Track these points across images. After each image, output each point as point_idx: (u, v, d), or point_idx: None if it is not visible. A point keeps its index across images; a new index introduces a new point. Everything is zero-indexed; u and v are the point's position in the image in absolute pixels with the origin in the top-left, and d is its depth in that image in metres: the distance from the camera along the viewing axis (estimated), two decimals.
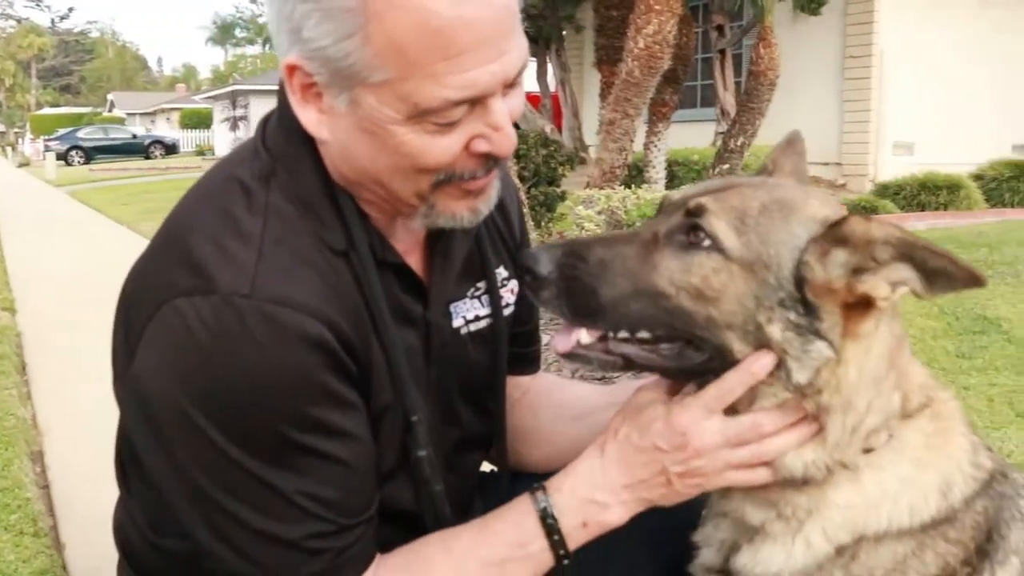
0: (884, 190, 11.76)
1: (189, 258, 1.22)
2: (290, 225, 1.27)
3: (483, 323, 1.54)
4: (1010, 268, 6.80)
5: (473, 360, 1.53)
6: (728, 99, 13.98)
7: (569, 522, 1.33)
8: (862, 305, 1.21)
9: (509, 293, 1.61)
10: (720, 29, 13.55)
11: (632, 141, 6.19)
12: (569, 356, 1.29)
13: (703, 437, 1.28)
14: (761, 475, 1.29)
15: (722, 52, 13.68)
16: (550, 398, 1.73)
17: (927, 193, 11.38)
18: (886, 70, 14.76)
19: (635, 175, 9.23)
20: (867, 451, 1.28)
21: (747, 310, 1.21)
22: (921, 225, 9.07)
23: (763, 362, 1.22)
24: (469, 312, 1.52)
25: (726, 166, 8.49)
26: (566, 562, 1.34)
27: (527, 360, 1.75)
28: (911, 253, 1.16)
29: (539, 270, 1.24)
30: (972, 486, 1.31)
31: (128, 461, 1.48)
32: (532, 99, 17.55)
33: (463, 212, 1.33)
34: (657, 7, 5.88)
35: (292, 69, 1.23)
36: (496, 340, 1.56)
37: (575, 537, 1.33)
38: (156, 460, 1.27)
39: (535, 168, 7.77)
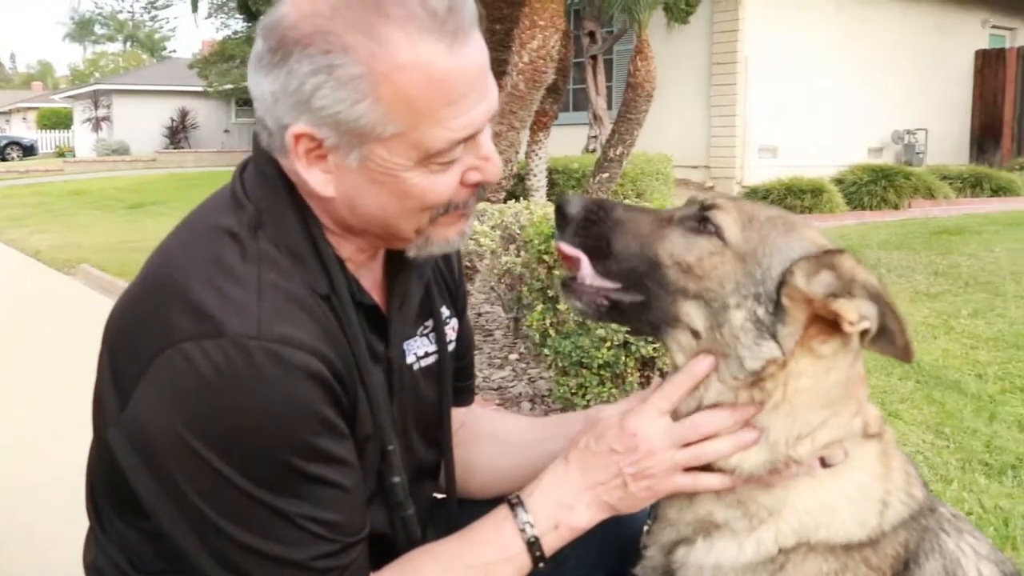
0: (753, 193, 12.20)
1: (189, 304, 1.28)
2: (281, 271, 1.34)
3: (431, 359, 1.63)
4: (874, 270, 7.19)
5: (424, 394, 1.62)
6: (600, 103, 14.25)
7: (543, 525, 1.44)
8: (828, 326, 1.34)
9: (451, 331, 1.71)
10: (592, 35, 13.80)
11: (517, 152, 6.34)
12: (568, 287, 1.43)
13: (652, 438, 1.40)
14: (709, 481, 1.40)
15: (594, 58, 13.96)
16: (484, 431, 1.83)
17: (793, 196, 11.85)
18: (751, 77, 15.31)
19: (516, 183, 9.37)
20: (827, 466, 1.40)
21: (724, 291, 1.34)
22: None
23: (703, 364, 1.36)
24: (420, 349, 1.61)
25: (605, 175, 8.71)
26: (542, 565, 1.44)
27: (463, 393, 1.85)
28: (881, 302, 1.30)
29: (569, 210, 1.41)
30: (902, 514, 1.42)
31: (106, 499, 1.52)
32: None
33: (453, 236, 1.45)
34: (541, 23, 6.04)
35: (299, 137, 1.31)
36: (442, 375, 1.66)
37: (549, 539, 1.44)
38: (160, 499, 1.31)
39: None
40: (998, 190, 12.93)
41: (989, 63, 19.65)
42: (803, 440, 1.36)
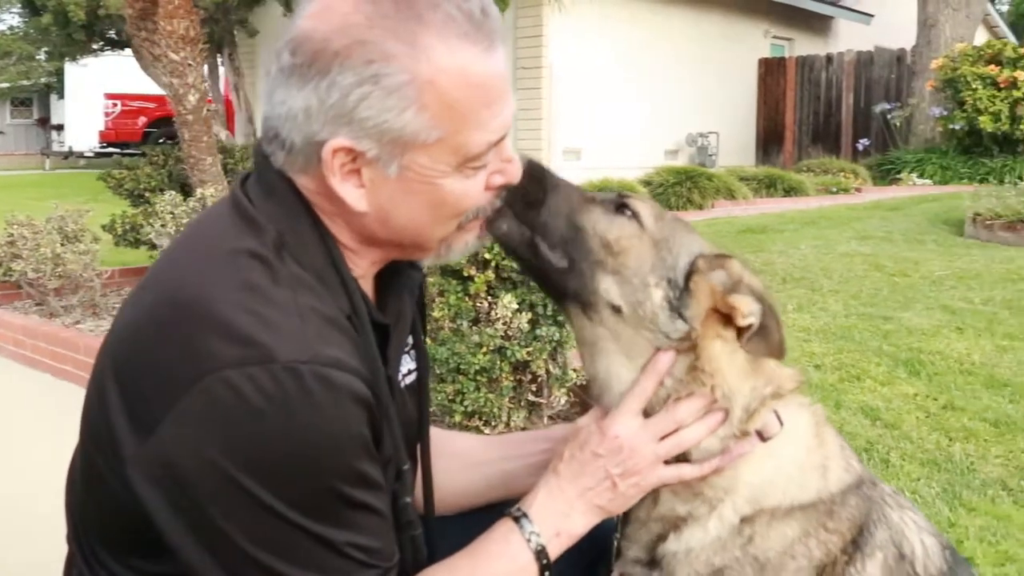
0: None
1: (226, 330, 1.22)
2: (314, 292, 1.30)
3: (412, 376, 1.63)
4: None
5: (409, 412, 1.61)
6: None
7: (546, 534, 1.48)
8: (725, 318, 1.48)
9: (424, 348, 1.71)
10: None
11: None
12: (498, 215, 1.49)
13: (633, 437, 1.48)
14: (687, 471, 1.50)
15: None
16: (442, 449, 1.81)
17: None
18: (555, 81, 15.69)
19: None
20: (766, 439, 1.53)
21: (642, 270, 1.48)
22: None
23: (664, 360, 1.47)
24: (404, 367, 1.59)
25: None
26: (547, 574, 1.48)
27: None
28: (764, 302, 1.46)
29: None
30: (845, 479, 1.55)
31: (100, 541, 1.41)
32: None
33: (471, 240, 1.47)
34: None
35: (337, 151, 1.28)
36: (422, 392, 1.65)
37: (552, 547, 1.48)
38: (192, 538, 1.24)
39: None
40: (790, 190, 13.71)
41: (771, 71, 20.87)
42: (748, 411, 1.51)
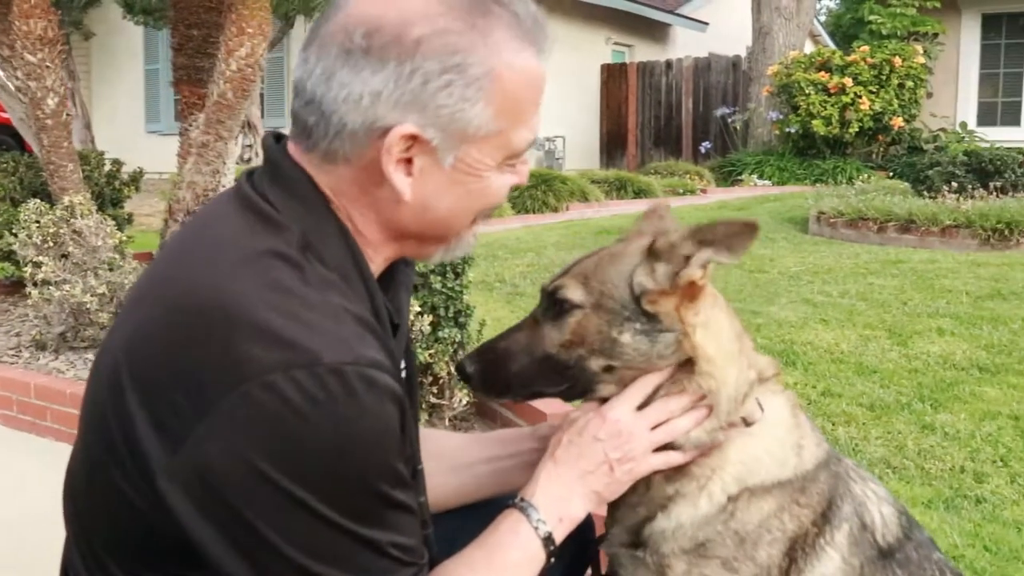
0: None
1: (263, 334, 1.19)
2: (343, 293, 1.29)
3: (403, 374, 1.64)
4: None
5: None
6: (254, 112, 14.11)
7: (551, 521, 1.52)
8: (690, 296, 1.56)
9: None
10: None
11: (225, 163, 6.12)
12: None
13: (632, 424, 1.54)
14: (675, 458, 1.57)
15: None
16: (427, 449, 1.80)
17: None
18: None
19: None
20: (749, 423, 1.62)
21: (604, 334, 1.55)
22: None
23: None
24: None
25: None
26: (553, 560, 1.52)
27: None
28: (702, 237, 1.52)
29: (467, 370, 1.60)
30: (818, 456, 1.67)
31: (114, 555, 1.35)
32: None
33: (471, 238, 1.49)
34: (250, 30, 5.87)
35: (402, 138, 1.29)
36: (412, 389, 1.64)
37: (557, 533, 1.52)
38: (232, 548, 1.21)
39: (99, 190, 7.35)
40: (639, 192, 14.10)
41: (613, 76, 21.40)
42: (736, 401, 1.59)
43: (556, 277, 1.61)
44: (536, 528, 1.51)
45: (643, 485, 1.62)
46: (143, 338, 1.29)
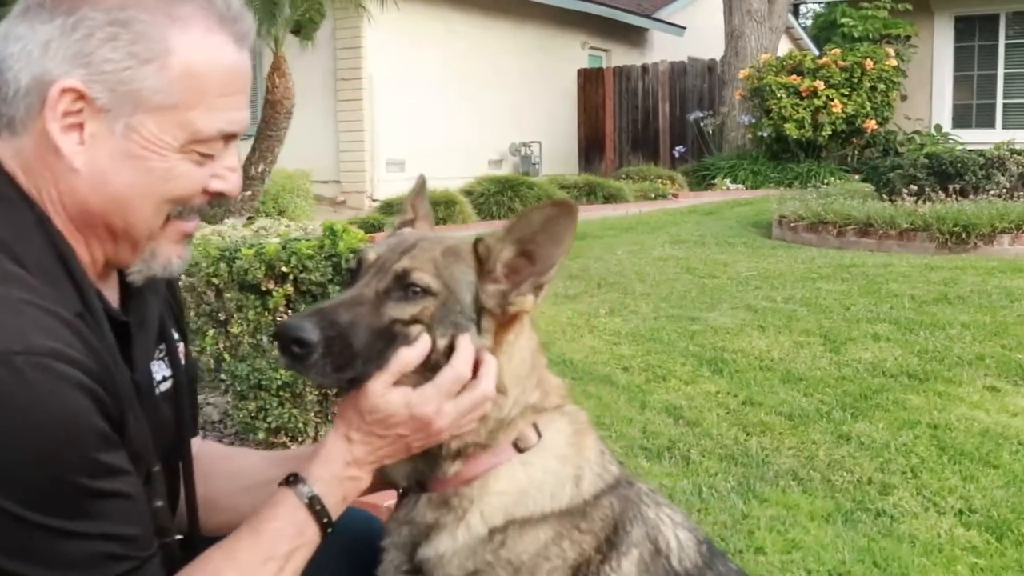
0: (388, 207, 12.42)
1: None
2: (31, 287, 1.25)
3: (168, 384, 1.59)
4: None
5: (164, 420, 1.56)
6: None
7: (332, 501, 1.47)
8: (510, 322, 1.53)
9: (180, 355, 1.66)
10: None
11: None
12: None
13: (444, 420, 1.47)
14: (483, 412, 1.51)
15: None
16: (221, 467, 1.78)
17: None
18: (376, 92, 15.60)
19: None
20: (522, 450, 1.56)
21: (436, 322, 1.49)
22: None
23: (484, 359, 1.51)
24: (157, 373, 1.56)
25: (248, 193, 8.52)
26: (330, 530, 1.48)
27: (191, 423, 1.79)
28: (519, 234, 1.49)
29: (309, 337, 1.39)
30: (599, 484, 1.59)
31: None
32: None
33: (174, 258, 1.45)
34: None
35: (66, 92, 1.27)
36: (179, 399, 1.62)
37: (338, 511, 1.49)
38: None
39: None
40: (609, 197, 14.02)
41: (590, 81, 21.32)
42: (503, 422, 1.55)
43: (399, 257, 1.52)
44: (317, 510, 1.46)
45: (410, 504, 1.58)
46: None
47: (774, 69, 16.54)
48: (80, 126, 1.30)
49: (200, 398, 4.59)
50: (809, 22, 29.23)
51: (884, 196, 10.05)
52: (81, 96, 1.28)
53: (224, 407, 4.13)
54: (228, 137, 1.39)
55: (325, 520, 1.46)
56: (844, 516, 3.32)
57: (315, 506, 1.45)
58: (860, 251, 8.89)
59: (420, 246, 1.54)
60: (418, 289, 1.48)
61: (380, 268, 1.52)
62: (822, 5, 25.14)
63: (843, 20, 18.22)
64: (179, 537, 1.65)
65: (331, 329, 1.42)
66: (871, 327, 5.63)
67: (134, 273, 1.43)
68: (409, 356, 1.45)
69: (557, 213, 1.46)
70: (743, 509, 3.35)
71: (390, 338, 1.47)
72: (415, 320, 1.48)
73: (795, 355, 5.16)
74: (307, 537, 1.45)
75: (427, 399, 1.46)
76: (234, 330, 3.85)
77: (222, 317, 3.91)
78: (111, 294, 1.47)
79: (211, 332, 3.93)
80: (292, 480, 1.47)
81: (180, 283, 4.34)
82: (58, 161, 1.31)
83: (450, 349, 1.48)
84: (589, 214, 13.05)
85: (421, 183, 1.77)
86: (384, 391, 1.45)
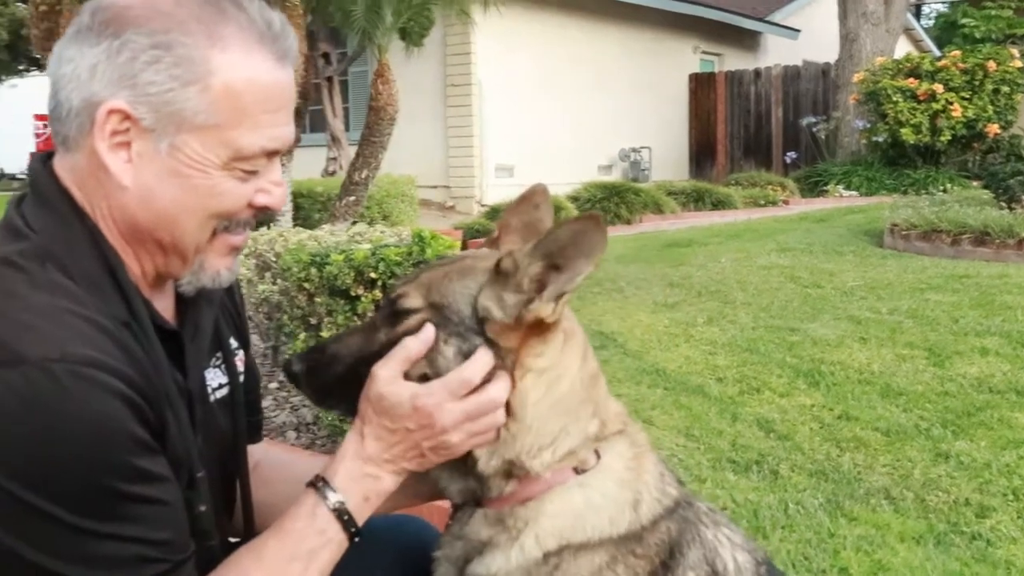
0: (494, 213, 12.50)
1: None
2: (76, 298, 1.30)
3: (224, 391, 1.63)
4: (614, 284, 7.56)
5: (220, 427, 1.60)
6: (338, 125, 14.22)
7: (354, 501, 1.47)
8: (537, 332, 1.48)
9: (239, 363, 1.70)
10: (326, 56, 13.75)
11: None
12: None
13: (447, 417, 1.44)
14: (494, 422, 1.47)
15: (329, 79, 13.91)
16: (283, 473, 1.81)
17: None
18: (485, 98, 15.72)
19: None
20: (581, 471, 1.53)
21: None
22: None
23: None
24: (213, 380, 1.60)
25: (352, 198, 8.66)
26: (357, 539, 1.47)
27: (252, 429, 1.82)
28: (547, 249, 1.44)
29: (293, 369, 1.53)
30: (657, 509, 1.56)
31: None
32: None
33: (223, 270, 1.48)
34: None
35: (112, 113, 1.31)
36: (235, 407, 1.65)
37: (362, 512, 1.48)
38: None
39: None
40: (718, 204, 13.87)
41: (702, 86, 21.12)
42: (543, 450, 1.50)
43: (401, 284, 1.56)
44: (336, 510, 1.46)
45: (465, 518, 1.56)
46: None
47: (890, 72, 16.09)
48: (127, 145, 1.34)
49: (296, 400, 4.73)
50: (931, 23, 28.32)
51: (1003, 203, 9.67)
52: (127, 116, 1.32)
53: (316, 409, 4.20)
54: (271, 153, 1.41)
55: (346, 518, 1.46)
56: (936, 538, 3.20)
57: (334, 506, 1.46)
58: (975, 261, 8.56)
59: (434, 269, 1.56)
60: (404, 312, 1.49)
61: (389, 301, 1.55)
62: (945, 5, 24.34)
63: (964, 21, 17.62)
64: (234, 540, 1.69)
65: (314, 361, 1.53)
66: (980, 340, 5.42)
67: (184, 284, 1.47)
68: (412, 344, 1.45)
69: (585, 227, 1.43)
70: (830, 527, 3.26)
71: (373, 359, 1.49)
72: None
73: (896, 368, 5.00)
74: (329, 536, 1.45)
75: (431, 392, 1.45)
76: (324, 334, 3.90)
77: (313, 321, 3.99)
78: (166, 304, 1.51)
79: (302, 335, 4.00)
80: (315, 481, 1.49)
81: (275, 287, 4.48)
82: (108, 178, 1.35)
83: (459, 359, 1.46)
84: (695, 221, 12.95)
85: (529, 191, 1.71)
86: (390, 379, 1.45)
